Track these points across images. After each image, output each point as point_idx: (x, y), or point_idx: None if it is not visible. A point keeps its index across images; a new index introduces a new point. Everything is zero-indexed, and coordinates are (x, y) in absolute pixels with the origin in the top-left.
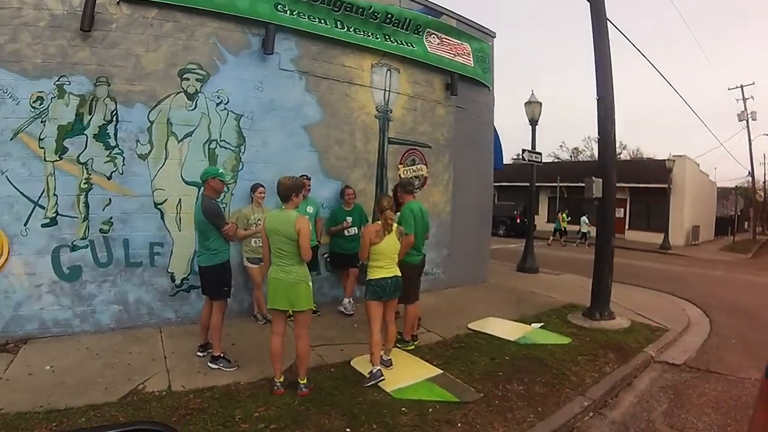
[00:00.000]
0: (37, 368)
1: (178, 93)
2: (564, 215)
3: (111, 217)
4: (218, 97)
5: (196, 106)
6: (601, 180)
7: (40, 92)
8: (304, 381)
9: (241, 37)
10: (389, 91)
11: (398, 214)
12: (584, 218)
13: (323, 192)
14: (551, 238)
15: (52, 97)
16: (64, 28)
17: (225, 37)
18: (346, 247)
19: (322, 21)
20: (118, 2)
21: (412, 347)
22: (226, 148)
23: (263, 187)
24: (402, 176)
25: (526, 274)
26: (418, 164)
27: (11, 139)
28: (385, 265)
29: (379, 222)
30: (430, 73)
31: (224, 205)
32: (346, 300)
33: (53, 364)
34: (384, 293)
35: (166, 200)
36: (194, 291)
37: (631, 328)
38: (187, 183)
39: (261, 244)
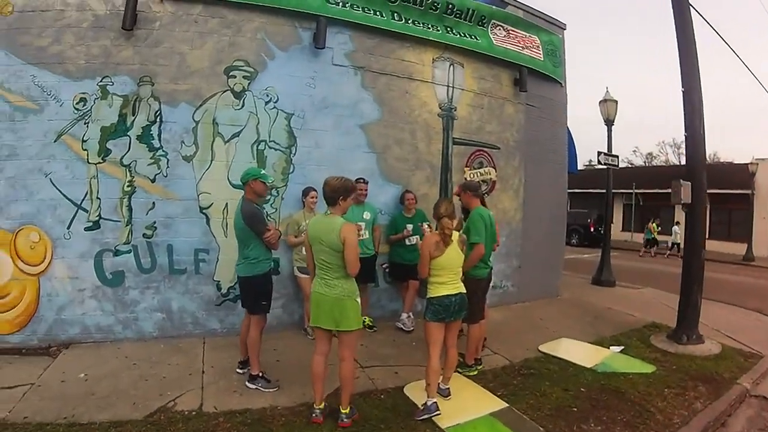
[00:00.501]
0: (72, 375)
1: (225, 91)
2: (655, 225)
3: (154, 222)
4: (267, 95)
5: (243, 105)
6: (689, 183)
7: (83, 93)
8: (347, 410)
9: (291, 32)
10: (453, 87)
11: (454, 220)
12: (675, 227)
13: (382, 197)
14: (642, 249)
15: (95, 98)
16: (107, 28)
17: (273, 33)
18: (406, 257)
19: (378, 12)
20: (161, 0)
21: (475, 372)
22: (275, 149)
23: (315, 190)
24: (469, 180)
25: (602, 288)
26: (486, 167)
27: (55, 141)
28: (447, 281)
29: (437, 232)
30: (497, 68)
31: (274, 210)
32: (404, 315)
33: (88, 372)
34: (446, 313)
35: (211, 204)
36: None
37: (722, 354)
38: (234, 186)
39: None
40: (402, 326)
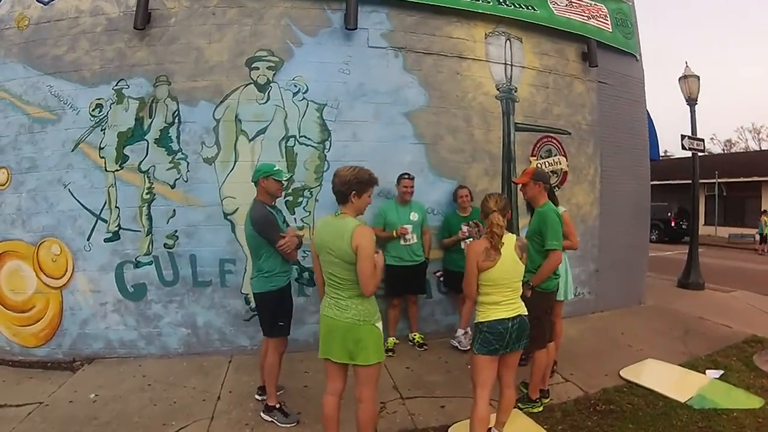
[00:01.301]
0: (82, 395)
1: (247, 85)
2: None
3: (176, 231)
4: (295, 86)
5: (268, 99)
6: None
7: (99, 99)
8: None
9: (319, 15)
10: (511, 65)
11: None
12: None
13: (432, 194)
14: (760, 246)
15: (111, 103)
16: (121, 30)
17: (299, 17)
18: (462, 263)
19: None
20: None
21: (540, 409)
22: (307, 145)
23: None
24: None
25: (690, 292)
26: (555, 156)
27: (72, 151)
28: (502, 300)
29: (486, 234)
30: (561, 41)
31: (307, 213)
32: (460, 331)
33: (99, 393)
34: (501, 344)
35: (237, 209)
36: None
37: None
38: None
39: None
40: (457, 344)
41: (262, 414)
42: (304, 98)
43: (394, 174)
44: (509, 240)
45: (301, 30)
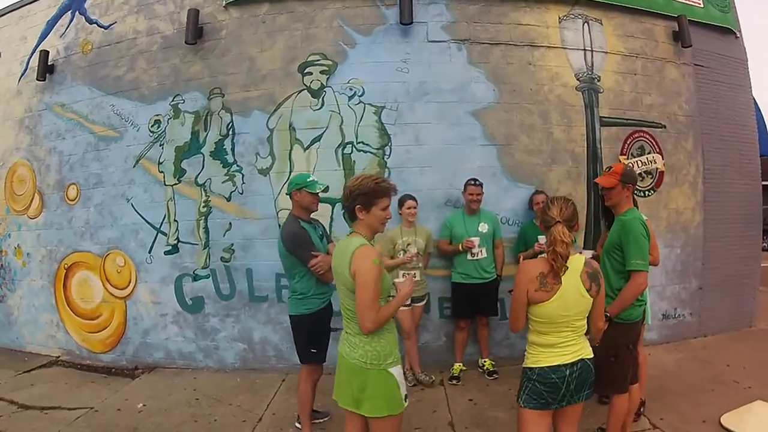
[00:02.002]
0: (132, 404)
1: (301, 91)
2: None
3: (232, 244)
4: (350, 89)
5: (323, 104)
6: None
7: (157, 115)
8: None
9: (372, 12)
10: (592, 51)
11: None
12: None
13: (507, 202)
14: None
15: (168, 119)
16: (176, 46)
17: (351, 16)
18: None
19: None
20: (225, 7)
21: None
22: (365, 152)
23: (413, 199)
24: None
25: None
26: (649, 153)
27: (134, 166)
28: (559, 343)
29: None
30: (646, 20)
31: None
32: None
33: (148, 403)
34: (555, 396)
35: None
36: (330, 334)
37: None
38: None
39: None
40: None
41: None
42: (360, 102)
43: (463, 180)
44: (576, 263)
45: (355, 30)
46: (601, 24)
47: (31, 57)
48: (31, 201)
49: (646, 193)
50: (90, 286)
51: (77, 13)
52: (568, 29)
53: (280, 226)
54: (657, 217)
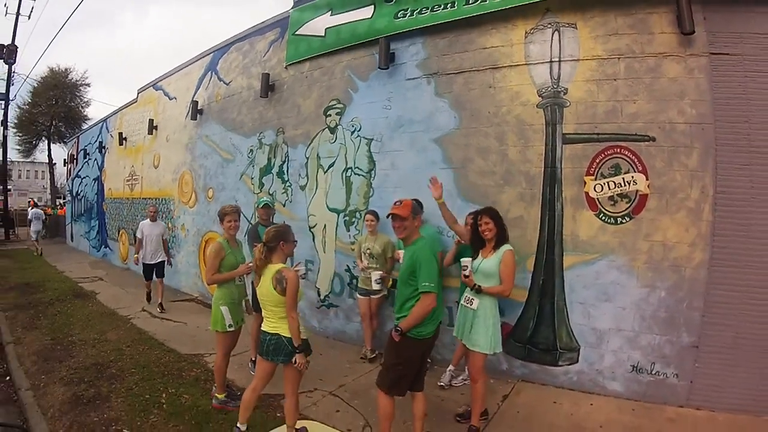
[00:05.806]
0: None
1: (323, 129)
2: None
3: None
4: (352, 126)
5: (336, 139)
6: None
7: (251, 146)
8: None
9: (369, 61)
10: (560, 62)
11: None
12: None
13: (461, 220)
14: None
15: (256, 149)
16: (261, 98)
17: (356, 66)
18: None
19: (446, 5)
20: (286, 67)
21: None
22: (358, 175)
23: (371, 213)
24: (592, 195)
25: None
26: (627, 173)
27: (240, 179)
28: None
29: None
30: (638, 11)
31: (357, 232)
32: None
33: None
34: (261, 349)
35: (315, 225)
36: (333, 309)
37: None
38: (329, 210)
39: (371, 273)
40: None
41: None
42: (358, 135)
43: (425, 199)
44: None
45: (357, 77)
46: (576, 28)
47: (190, 103)
48: (191, 197)
49: (619, 220)
50: None
51: (213, 73)
52: (534, 43)
53: (309, 227)
54: (632, 249)
